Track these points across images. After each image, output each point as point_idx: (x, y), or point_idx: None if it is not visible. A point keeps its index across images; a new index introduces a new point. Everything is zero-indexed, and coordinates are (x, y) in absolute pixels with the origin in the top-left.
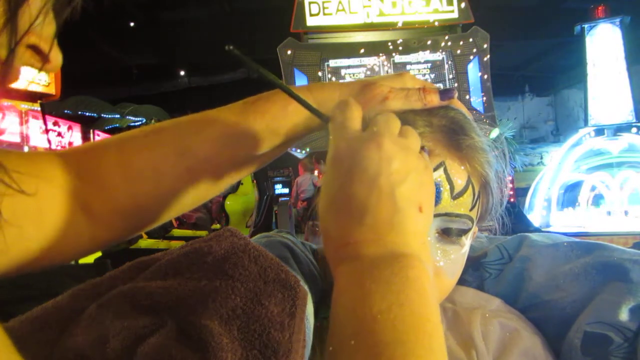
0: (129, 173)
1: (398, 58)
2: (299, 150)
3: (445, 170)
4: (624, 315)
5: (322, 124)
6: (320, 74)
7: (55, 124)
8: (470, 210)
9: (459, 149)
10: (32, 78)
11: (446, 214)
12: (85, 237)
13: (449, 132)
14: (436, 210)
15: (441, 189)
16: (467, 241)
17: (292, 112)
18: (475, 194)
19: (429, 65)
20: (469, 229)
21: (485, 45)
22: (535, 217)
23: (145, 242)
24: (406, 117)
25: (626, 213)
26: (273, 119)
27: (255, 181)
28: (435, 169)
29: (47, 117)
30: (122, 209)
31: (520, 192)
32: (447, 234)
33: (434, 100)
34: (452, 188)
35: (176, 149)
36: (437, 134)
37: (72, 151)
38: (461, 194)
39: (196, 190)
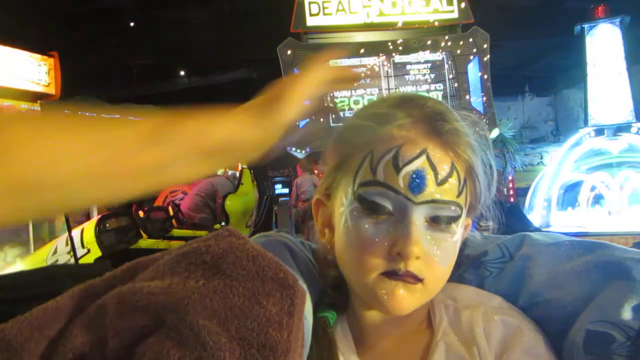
0: (44, 148)
1: (398, 58)
2: (298, 151)
3: (428, 157)
4: (626, 314)
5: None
6: None
7: None
8: (458, 196)
9: (440, 135)
10: (32, 78)
11: (433, 201)
12: None
13: (429, 121)
14: (422, 197)
15: (425, 175)
16: (458, 229)
17: (220, 125)
18: (461, 180)
19: (429, 65)
20: (459, 216)
21: (485, 45)
22: (535, 217)
23: (145, 242)
24: (387, 112)
25: (626, 213)
26: (201, 127)
27: (255, 181)
28: (417, 157)
29: None
30: (20, 185)
31: (520, 192)
32: (436, 222)
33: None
34: (436, 174)
35: (92, 139)
36: (418, 123)
37: None
38: (446, 179)
39: (108, 187)
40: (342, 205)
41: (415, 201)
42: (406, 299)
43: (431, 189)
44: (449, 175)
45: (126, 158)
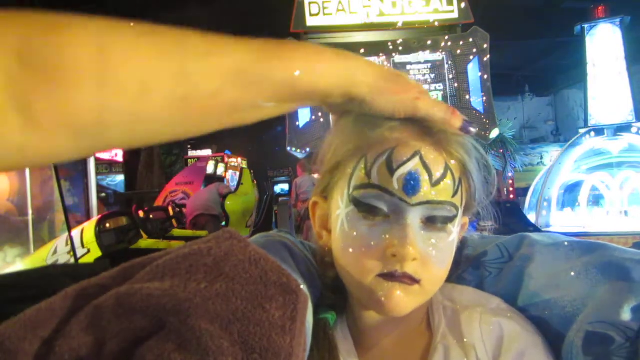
0: (105, 79)
1: (398, 58)
2: (298, 150)
3: (421, 158)
4: (626, 315)
5: (352, 100)
6: None
7: None
8: (453, 196)
9: (432, 136)
10: None
11: (428, 202)
12: (10, 143)
13: (420, 121)
14: (418, 199)
15: (419, 177)
16: (454, 229)
17: (321, 72)
18: (456, 180)
19: (429, 65)
20: (454, 216)
21: (485, 45)
22: (535, 217)
23: (145, 242)
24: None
25: (626, 213)
26: (297, 72)
27: (255, 181)
28: (411, 158)
29: None
30: (78, 122)
31: (520, 192)
32: (432, 223)
33: (456, 123)
34: (430, 175)
35: (176, 70)
36: (409, 125)
37: (19, 22)
38: (440, 180)
39: (178, 126)
40: (338, 208)
41: (410, 203)
42: (404, 300)
43: (426, 190)
44: (444, 176)
45: (206, 95)
